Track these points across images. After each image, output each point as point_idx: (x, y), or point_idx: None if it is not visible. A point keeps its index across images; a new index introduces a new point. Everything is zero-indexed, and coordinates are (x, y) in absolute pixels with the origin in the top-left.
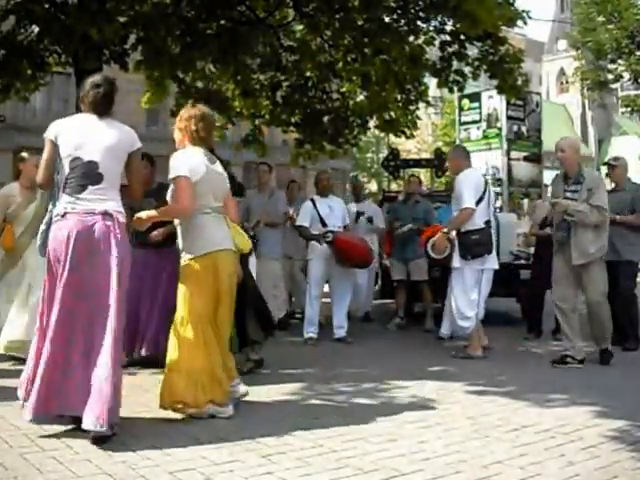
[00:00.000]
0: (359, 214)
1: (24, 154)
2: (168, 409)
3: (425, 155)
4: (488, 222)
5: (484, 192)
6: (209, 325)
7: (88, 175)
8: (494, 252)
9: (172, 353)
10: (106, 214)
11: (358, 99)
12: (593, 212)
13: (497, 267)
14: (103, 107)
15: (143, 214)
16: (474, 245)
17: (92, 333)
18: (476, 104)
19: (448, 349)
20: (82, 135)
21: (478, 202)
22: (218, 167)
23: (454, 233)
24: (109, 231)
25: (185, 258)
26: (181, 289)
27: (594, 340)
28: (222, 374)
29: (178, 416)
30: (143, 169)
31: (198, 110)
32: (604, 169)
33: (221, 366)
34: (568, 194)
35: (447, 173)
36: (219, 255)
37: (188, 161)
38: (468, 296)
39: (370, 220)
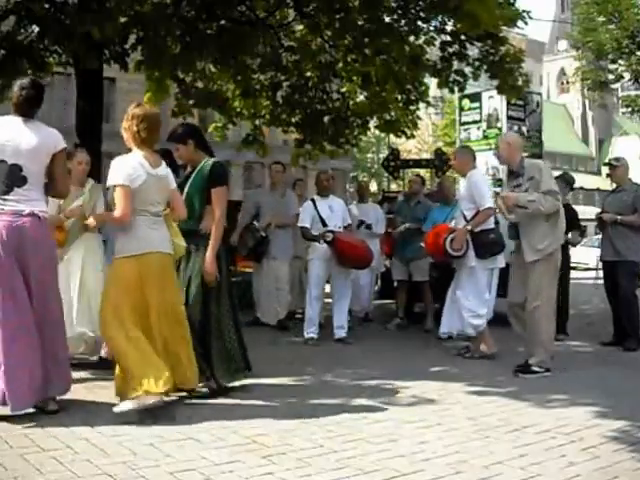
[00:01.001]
0: (361, 223)
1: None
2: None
3: (425, 155)
4: (497, 222)
5: (491, 192)
6: (137, 325)
7: (12, 177)
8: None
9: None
10: (34, 215)
11: (358, 99)
12: (547, 199)
13: (504, 265)
14: (27, 109)
15: (90, 220)
16: (492, 244)
17: (44, 325)
18: (476, 104)
19: (448, 349)
20: (6, 138)
21: None
22: (161, 170)
23: (469, 228)
24: (39, 231)
25: (116, 257)
26: (107, 287)
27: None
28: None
29: (178, 417)
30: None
31: (140, 110)
32: (605, 169)
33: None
34: (515, 190)
35: (448, 173)
36: (152, 257)
37: (125, 169)
38: (482, 295)
39: (369, 227)
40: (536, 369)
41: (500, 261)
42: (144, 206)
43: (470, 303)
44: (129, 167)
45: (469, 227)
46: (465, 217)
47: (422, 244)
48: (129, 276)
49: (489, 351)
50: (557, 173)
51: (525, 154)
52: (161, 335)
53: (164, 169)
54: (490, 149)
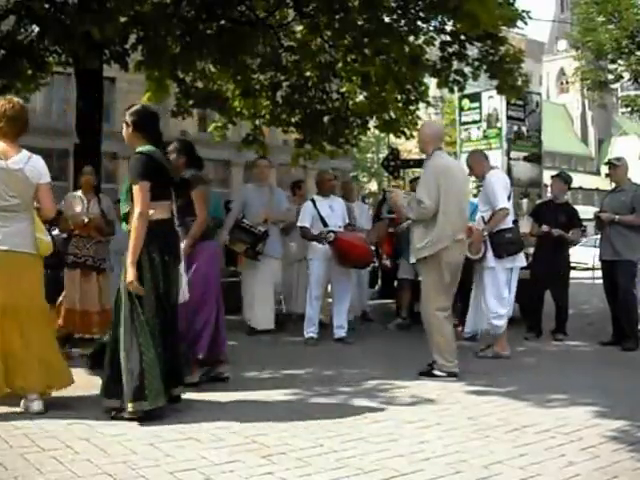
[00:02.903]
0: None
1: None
2: None
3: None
4: (516, 221)
5: (509, 192)
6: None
7: None
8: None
9: None
10: None
11: (358, 99)
12: (413, 207)
13: (525, 264)
14: None
15: None
16: (509, 244)
17: None
18: (476, 104)
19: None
20: None
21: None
22: (14, 162)
23: (485, 233)
24: None
25: None
26: None
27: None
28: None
29: (179, 416)
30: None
31: (1, 101)
32: (605, 169)
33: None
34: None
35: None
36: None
37: None
38: (501, 294)
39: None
40: (437, 373)
41: (520, 260)
42: None
43: (491, 303)
44: None
45: (485, 232)
46: (483, 219)
47: None
48: None
49: (502, 352)
50: (556, 172)
51: (524, 154)
52: (23, 338)
53: (20, 162)
54: (490, 149)
